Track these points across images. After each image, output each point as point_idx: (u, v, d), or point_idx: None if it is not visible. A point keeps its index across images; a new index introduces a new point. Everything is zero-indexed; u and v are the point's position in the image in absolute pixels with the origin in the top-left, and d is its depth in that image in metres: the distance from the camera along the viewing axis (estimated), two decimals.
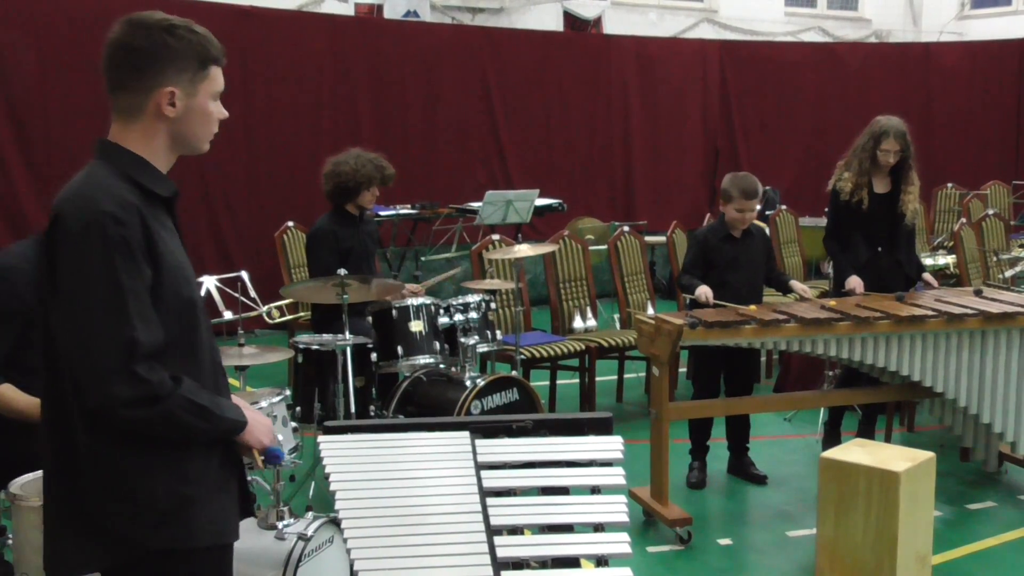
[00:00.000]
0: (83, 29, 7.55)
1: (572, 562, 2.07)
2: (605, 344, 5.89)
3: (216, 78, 2.10)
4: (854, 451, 3.90)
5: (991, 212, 7.62)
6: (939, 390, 4.45)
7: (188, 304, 2.00)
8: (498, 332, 5.07)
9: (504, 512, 2.08)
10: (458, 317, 4.83)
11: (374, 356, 4.65)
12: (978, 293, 4.81)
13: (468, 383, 4.61)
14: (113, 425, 1.90)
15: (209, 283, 5.12)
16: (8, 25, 7.38)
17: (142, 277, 1.90)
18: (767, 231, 6.79)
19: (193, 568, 2.01)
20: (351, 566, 1.94)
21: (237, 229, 8.46)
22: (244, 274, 5.23)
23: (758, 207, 4.92)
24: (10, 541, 2.82)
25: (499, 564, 1.96)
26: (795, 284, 4.96)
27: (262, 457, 2.17)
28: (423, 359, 4.71)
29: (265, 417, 2.21)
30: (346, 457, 2.17)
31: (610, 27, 11.99)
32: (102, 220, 1.87)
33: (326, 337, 4.67)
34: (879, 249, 5.08)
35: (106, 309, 1.86)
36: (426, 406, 4.66)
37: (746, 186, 4.80)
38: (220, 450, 2.07)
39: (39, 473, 2.85)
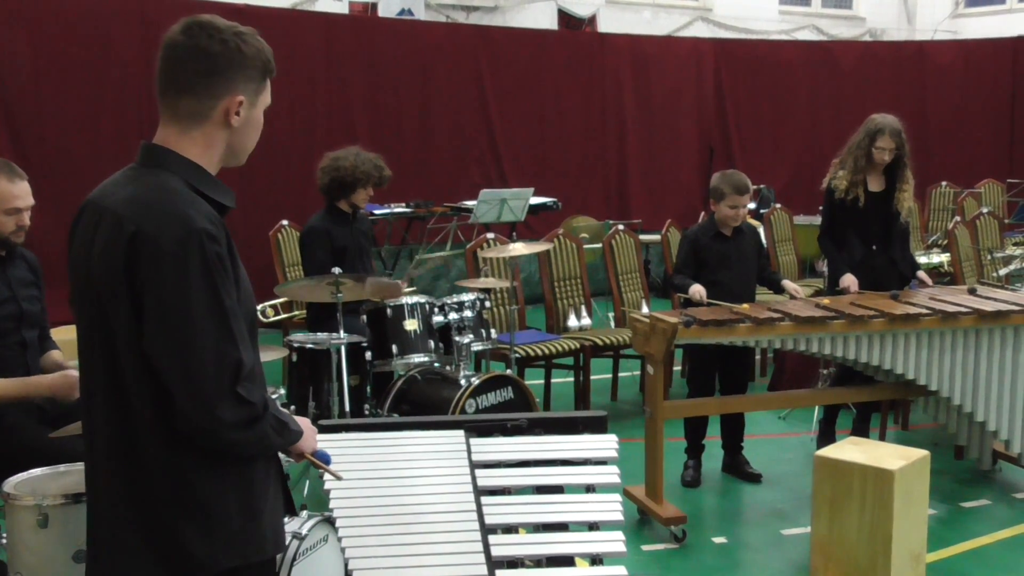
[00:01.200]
0: (78, 29, 7.53)
1: (567, 561, 2.07)
2: (600, 343, 5.89)
3: (269, 90, 2.06)
4: (848, 449, 3.91)
5: (985, 210, 7.64)
6: (933, 388, 4.46)
7: (253, 319, 1.97)
8: (493, 331, 5.06)
9: (499, 511, 2.08)
10: (453, 316, 4.83)
11: (369, 355, 4.64)
12: (972, 291, 4.82)
13: (463, 382, 4.60)
14: (209, 446, 1.84)
15: None
16: (2, 24, 7.36)
17: (234, 295, 1.86)
18: (760, 229, 6.80)
19: None
20: (346, 565, 1.94)
21: (231, 227, 8.38)
22: None
23: (750, 203, 4.92)
24: (3, 540, 2.80)
25: (494, 563, 1.96)
26: (787, 284, 4.96)
27: (317, 460, 2.13)
28: (418, 358, 4.70)
29: (308, 422, 2.16)
30: (341, 456, 2.16)
31: (605, 25, 11.99)
32: (200, 237, 1.81)
33: (321, 336, 4.67)
34: (874, 247, 5.08)
35: (211, 330, 1.79)
36: (421, 405, 4.66)
37: (737, 182, 4.80)
38: (275, 460, 2.03)
39: (34, 472, 2.84)
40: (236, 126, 1.96)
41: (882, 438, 5.31)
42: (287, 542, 2.99)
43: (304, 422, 2.09)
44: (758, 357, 6.58)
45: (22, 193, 3.36)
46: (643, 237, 7.60)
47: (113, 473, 1.89)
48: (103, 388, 1.88)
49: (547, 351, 5.67)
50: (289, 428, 1.95)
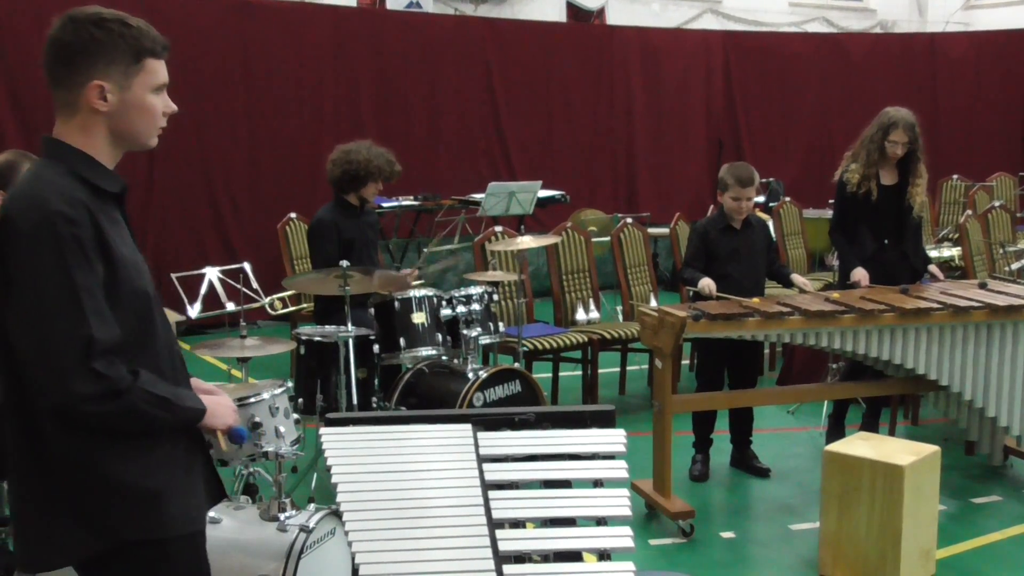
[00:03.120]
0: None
1: (574, 556, 2.06)
2: (608, 336, 5.88)
3: (154, 71, 2.07)
4: (858, 444, 3.89)
5: (997, 204, 7.60)
6: (944, 383, 4.43)
7: (142, 296, 2.02)
8: (500, 324, 5.06)
9: (506, 505, 2.07)
10: (460, 309, 4.82)
11: (376, 348, 4.64)
12: (983, 286, 4.79)
13: (470, 375, 4.59)
14: (72, 422, 1.92)
15: (212, 274, 5.12)
16: (10, 10, 7.33)
17: (95, 274, 1.92)
18: (769, 223, 6.78)
19: (167, 557, 2.04)
20: (352, 558, 1.93)
21: (239, 220, 8.45)
22: (247, 265, 5.23)
23: (755, 195, 4.90)
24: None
25: (501, 557, 1.94)
26: (796, 278, 4.94)
27: (226, 438, 2.20)
28: (425, 351, 4.70)
29: (226, 399, 2.24)
30: (348, 449, 2.15)
31: (613, 18, 11.95)
32: (52, 219, 1.88)
33: (328, 328, 4.67)
34: (885, 241, 5.05)
35: (61, 308, 1.88)
36: (428, 398, 4.65)
37: (740, 173, 4.78)
38: (185, 437, 2.10)
39: None
40: (107, 111, 2.01)
41: (892, 433, 5.29)
42: (295, 536, 3.01)
43: (217, 400, 2.18)
44: (767, 351, 6.57)
45: None
46: (651, 230, 7.57)
47: (21, 448, 1.99)
48: (3, 369, 1.99)
49: (555, 344, 5.66)
50: (174, 404, 2.01)
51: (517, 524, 2.06)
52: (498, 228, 6.14)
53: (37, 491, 1.98)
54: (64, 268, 1.88)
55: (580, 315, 6.15)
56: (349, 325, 4.37)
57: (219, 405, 2.17)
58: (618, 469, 2.19)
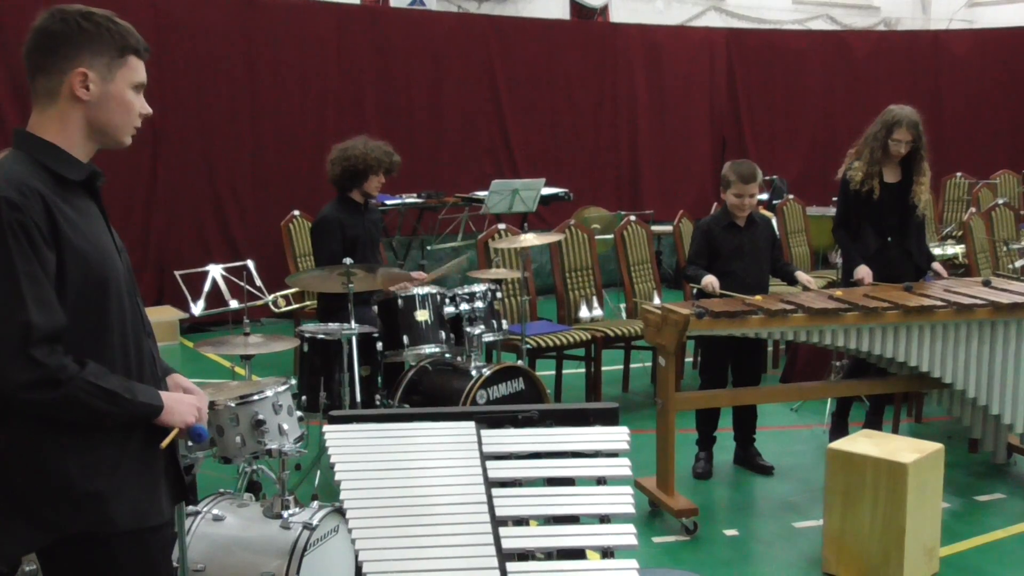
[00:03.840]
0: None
1: (578, 553, 2.06)
2: (611, 334, 5.88)
3: (136, 68, 2.10)
4: (861, 442, 3.89)
5: (1001, 201, 7.58)
6: (948, 381, 4.42)
7: (97, 286, 2.01)
8: (504, 321, 5.06)
9: (509, 503, 2.07)
10: (464, 306, 4.82)
11: (380, 345, 4.64)
12: (987, 283, 4.78)
13: (474, 372, 4.59)
14: (17, 408, 1.92)
15: (215, 272, 5.12)
16: None
17: (41, 261, 1.91)
18: (773, 220, 6.77)
19: (116, 552, 2.04)
20: (356, 556, 1.93)
21: (243, 218, 8.46)
22: (250, 263, 5.23)
23: (757, 192, 4.90)
24: None
25: (504, 555, 1.94)
26: (801, 275, 4.93)
27: (173, 437, 2.15)
28: (429, 348, 4.70)
29: (195, 397, 2.22)
30: (351, 446, 2.15)
31: (616, 15, 11.94)
32: None
33: (332, 326, 4.67)
34: (889, 239, 5.04)
35: (0, 293, 1.88)
36: (431, 395, 4.66)
37: (742, 170, 4.78)
38: (140, 433, 2.08)
39: None
40: (88, 100, 2.03)
41: (895, 431, 5.28)
42: (298, 533, 3.01)
43: (179, 397, 2.16)
44: (770, 349, 6.56)
45: None
46: (655, 228, 7.58)
47: None
48: None
49: (558, 342, 5.65)
50: (122, 398, 1.99)
51: (520, 522, 2.06)
52: (501, 226, 6.14)
53: None
54: (5, 254, 1.88)
55: (583, 313, 6.15)
56: (352, 322, 4.37)
57: (180, 403, 2.14)
58: (621, 467, 2.19)
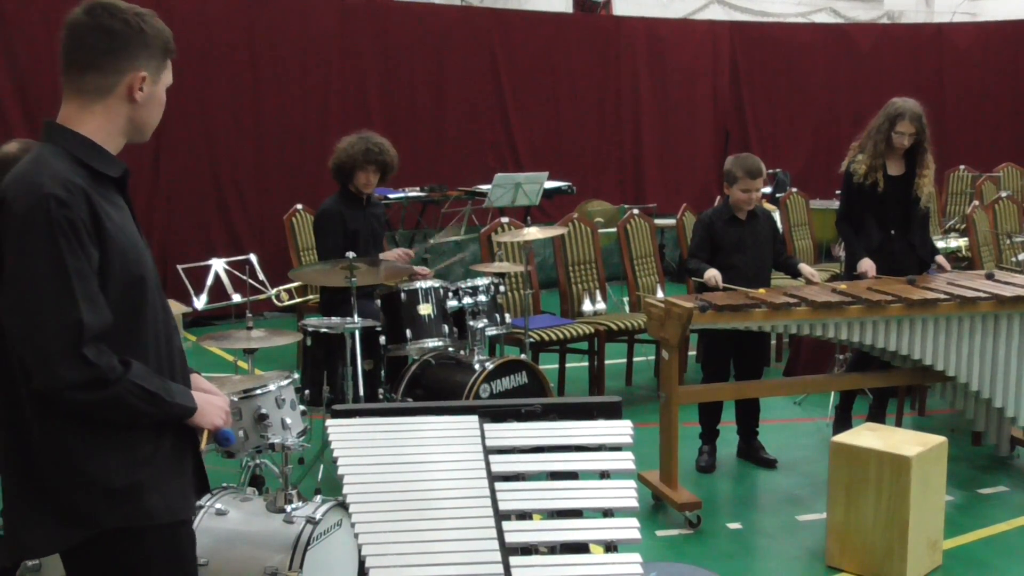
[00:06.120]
0: None
1: (581, 547, 2.06)
2: (614, 327, 5.87)
3: (170, 70, 2.14)
4: (865, 435, 3.88)
5: (1004, 194, 7.56)
6: (951, 374, 4.42)
7: (135, 284, 2.01)
8: (507, 315, 5.06)
9: (513, 497, 2.07)
10: (467, 300, 4.82)
11: (383, 339, 4.64)
12: (990, 276, 4.77)
13: (477, 366, 4.59)
14: (61, 407, 1.91)
15: (218, 266, 5.12)
16: None
17: (89, 258, 1.90)
18: (775, 214, 6.76)
19: (149, 546, 2.04)
20: (359, 550, 1.93)
21: (246, 212, 8.46)
22: (253, 257, 5.23)
23: (763, 187, 4.89)
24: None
25: (508, 549, 1.94)
26: (804, 268, 4.92)
27: (212, 440, 2.20)
28: (432, 342, 4.70)
29: (221, 399, 2.22)
30: (354, 441, 2.16)
31: (620, 8, 11.91)
32: (46, 202, 1.87)
33: (335, 320, 4.67)
34: (892, 232, 5.04)
35: (52, 291, 1.87)
36: (434, 389, 4.66)
37: (749, 165, 4.77)
38: (172, 431, 2.09)
39: None
40: (140, 101, 2.05)
41: (899, 424, 5.28)
42: (301, 527, 3.01)
43: (210, 399, 2.16)
44: (774, 342, 6.56)
45: None
46: (658, 221, 7.56)
47: (6, 433, 1.99)
48: None
49: (561, 336, 5.65)
50: (163, 400, 2.00)
51: (524, 515, 2.06)
52: (504, 219, 6.13)
53: (22, 481, 1.98)
54: (56, 251, 1.87)
55: (586, 306, 6.15)
56: (355, 316, 4.37)
57: (210, 405, 2.15)
58: (624, 460, 2.19)
